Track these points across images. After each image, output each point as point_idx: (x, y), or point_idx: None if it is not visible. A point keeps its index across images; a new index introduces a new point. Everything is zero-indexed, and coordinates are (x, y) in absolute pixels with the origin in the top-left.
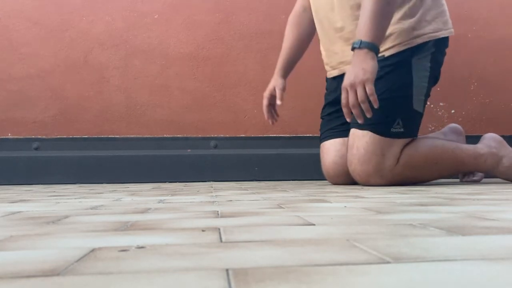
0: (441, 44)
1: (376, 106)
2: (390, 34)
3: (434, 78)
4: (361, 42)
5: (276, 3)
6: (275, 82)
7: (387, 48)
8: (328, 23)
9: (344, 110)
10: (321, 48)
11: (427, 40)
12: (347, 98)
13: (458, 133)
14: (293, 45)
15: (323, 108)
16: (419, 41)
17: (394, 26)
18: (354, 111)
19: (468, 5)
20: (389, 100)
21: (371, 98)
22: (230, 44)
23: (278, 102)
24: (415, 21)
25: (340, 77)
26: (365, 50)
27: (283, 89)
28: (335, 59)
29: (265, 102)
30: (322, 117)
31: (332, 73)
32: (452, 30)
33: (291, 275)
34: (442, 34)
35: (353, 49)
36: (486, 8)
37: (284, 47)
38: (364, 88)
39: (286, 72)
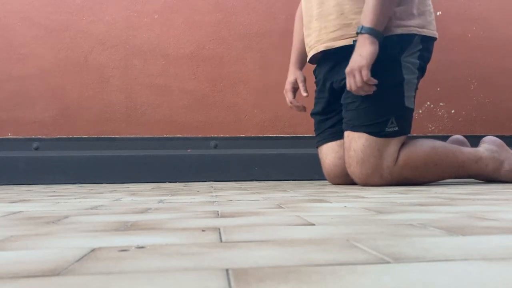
0: (428, 43)
1: (372, 89)
2: None
3: (422, 72)
4: (362, 27)
5: (276, 3)
6: (294, 75)
7: None
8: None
9: (354, 93)
10: (304, 29)
11: (409, 32)
12: (349, 83)
13: (461, 143)
14: (303, 38)
15: (314, 105)
16: (400, 31)
17: None
18: (359, 94)
19: (468, 5)
20: (381, 100)
21: (368, 83)
22: (230, 44)
23: (305, 94)
24: (400, 11)
25: (318, 66)
26: (366, 36)
27: (305, 80)
28: (313, 37)
29: (290, 96)
30: (311, 116)
31: (310, 53)
32: (436, 33)
33: (291, 275)
34: (425, 32)
35: (357, 34)
36: (486, 8)
37: (295, 41)
38: (361, 74)
39: (302, 64)
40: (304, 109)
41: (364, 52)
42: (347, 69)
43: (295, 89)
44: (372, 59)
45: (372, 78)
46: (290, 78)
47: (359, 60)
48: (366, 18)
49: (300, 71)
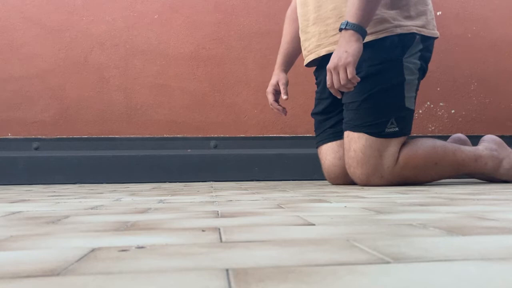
0: (428, 42)
1: (355, 84)
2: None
3: (422, 73)
4: (347, 23)
5: (276, 3)
6: (277, 77)
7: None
8: (307, 2)
9: (331, 90)
10: (300, 34)
11: (410, 32)
12: (331, 79)
13: (462, 141)
14: (291, 40)
15: (314, 106)
16: (400, 31)
17: (377, 14)
18: (339, 91)
19: (468, 5)
20: (381, 101)
21: (352, 81)
22: (230, 44)
23: (284, 97)
24: (399, 12)
25: (319, 67)
26: (351, 32)
27: (287, 84)
28: (312, 42)
29: (270, 98)
30: (312, 115)
31: (308, 58)
32: (437, 32)
33: (291, 275)
34: (425, 32)
35: (340, 30)
36: (486, 8)
37: (283, 42)
38: (346, 71)
39: (287, 66)
40: (285, 112)
41: (350, 49)
42: (330, 65)
43: (276, 92)
44: (358, 57)
45: (356, 76)
46: (273, 80)
47: (345, 57)
48: (352, 14)
49: (284, 74)
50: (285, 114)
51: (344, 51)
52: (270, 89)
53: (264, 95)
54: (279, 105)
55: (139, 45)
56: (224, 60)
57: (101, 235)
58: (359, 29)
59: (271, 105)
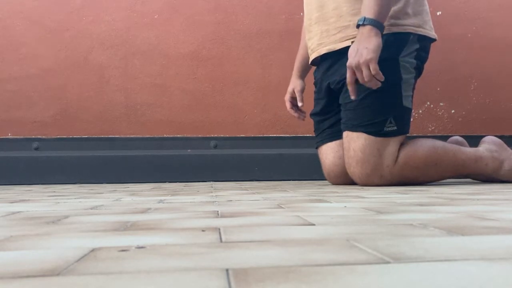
0: (425, 42)
1: (379, 84)
2: None
3: (418, 72)
4: (364, 18)
5: (276, 3)
6: (294, 84)
7: None
8: (310, 2)
9: (349, 87)
10: (305, 32)
11: (405, 31)
12: (352, 76)
13: (460, 144)
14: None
15: (313, 106)
16: (396, 30)
17: None
18: (354, 91)
19: (468, 5)
20: (379, 100)
21: (376, 77)
22: (230, 44)
23: (300, 104)
24: (395, 10)
25: (320, 66)
26: (369, 27)
27: (302, 90)
28: (314, 41)
29: (288, 105)
30: (310, 116)
31: (312, 56)
32: (434, 34)
33: (291, 275)
34: (421, 31)
35: (358, 26)
36: (486, 8)
37: (300, 48)
38: (369, 68)
39: (304, 72)
40: (303, 116)
41: (370, 45)
42: (352, 62)
43: (293, 98)
44: (379, 52)
45: (380, 72)
46: (290, 87)
47: (366, 53)
48: (369, 10)
49: (300, 80)
50: (303, 119)
51: (365, 48)
52: (287, 96)
53: (264, 95)
54: (297, 110)
55: (139, 45)
56: (224, 60)
57: (101, 235)
58: (377, 24)
59: (290, 111)
